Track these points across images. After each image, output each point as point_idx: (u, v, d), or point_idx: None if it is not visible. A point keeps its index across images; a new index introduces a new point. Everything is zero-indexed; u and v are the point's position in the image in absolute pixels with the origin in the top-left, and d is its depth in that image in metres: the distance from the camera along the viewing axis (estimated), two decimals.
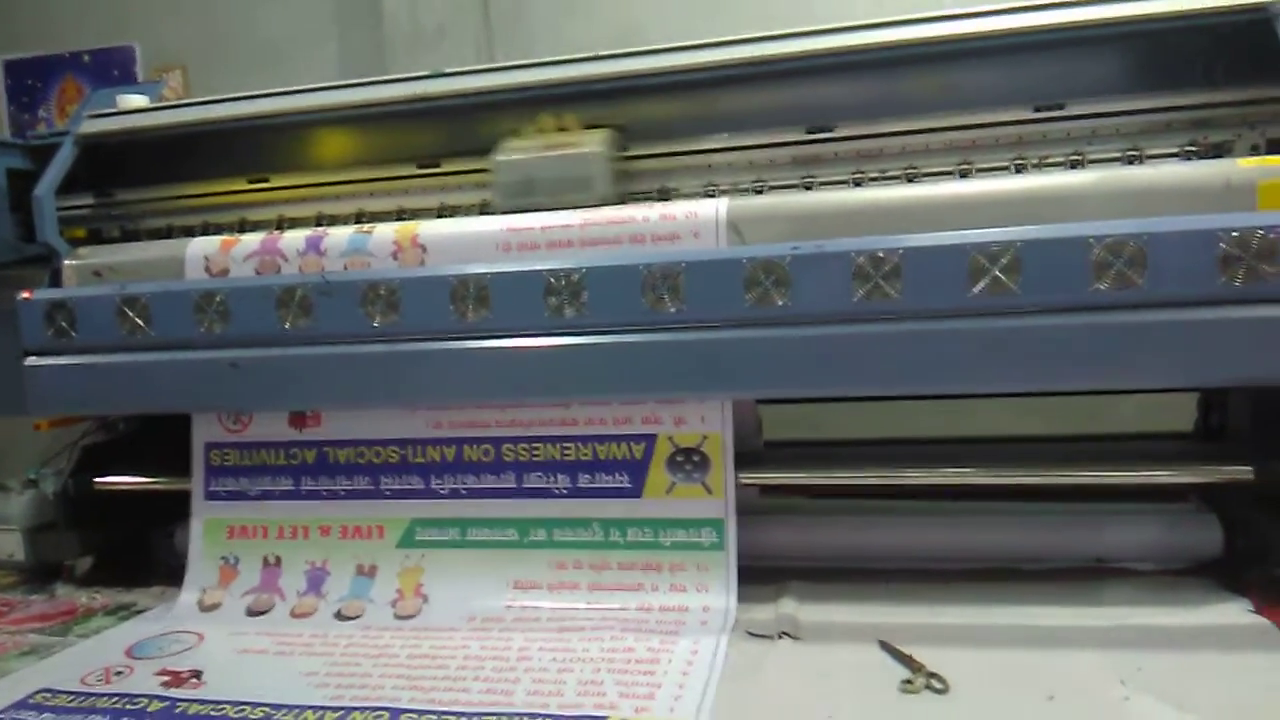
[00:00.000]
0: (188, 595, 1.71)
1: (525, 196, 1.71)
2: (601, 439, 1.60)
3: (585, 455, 1.61)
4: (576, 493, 1.61)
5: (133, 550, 1.99)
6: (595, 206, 1.63)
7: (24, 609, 1.79)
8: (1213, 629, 1.33)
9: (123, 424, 2.06)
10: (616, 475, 1.59)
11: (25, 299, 1.75)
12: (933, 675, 1.23)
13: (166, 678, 1.39)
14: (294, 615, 1.61)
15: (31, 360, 1.75)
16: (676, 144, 1.76)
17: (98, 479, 1.93)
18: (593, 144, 1.71)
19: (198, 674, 1.40)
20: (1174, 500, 1.65)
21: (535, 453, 1.63)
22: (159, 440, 1.99)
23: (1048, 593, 1.47)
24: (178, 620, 1.64)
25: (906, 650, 1.29)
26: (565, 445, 1.62)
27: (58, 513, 1.92)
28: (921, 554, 1.63)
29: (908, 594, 1.51)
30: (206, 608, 1.67)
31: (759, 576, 1.55)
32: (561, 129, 1.78)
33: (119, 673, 1.43)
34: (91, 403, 1.82)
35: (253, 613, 1.64)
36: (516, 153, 1.76)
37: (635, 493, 1.58)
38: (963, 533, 1.63)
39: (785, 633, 1.40)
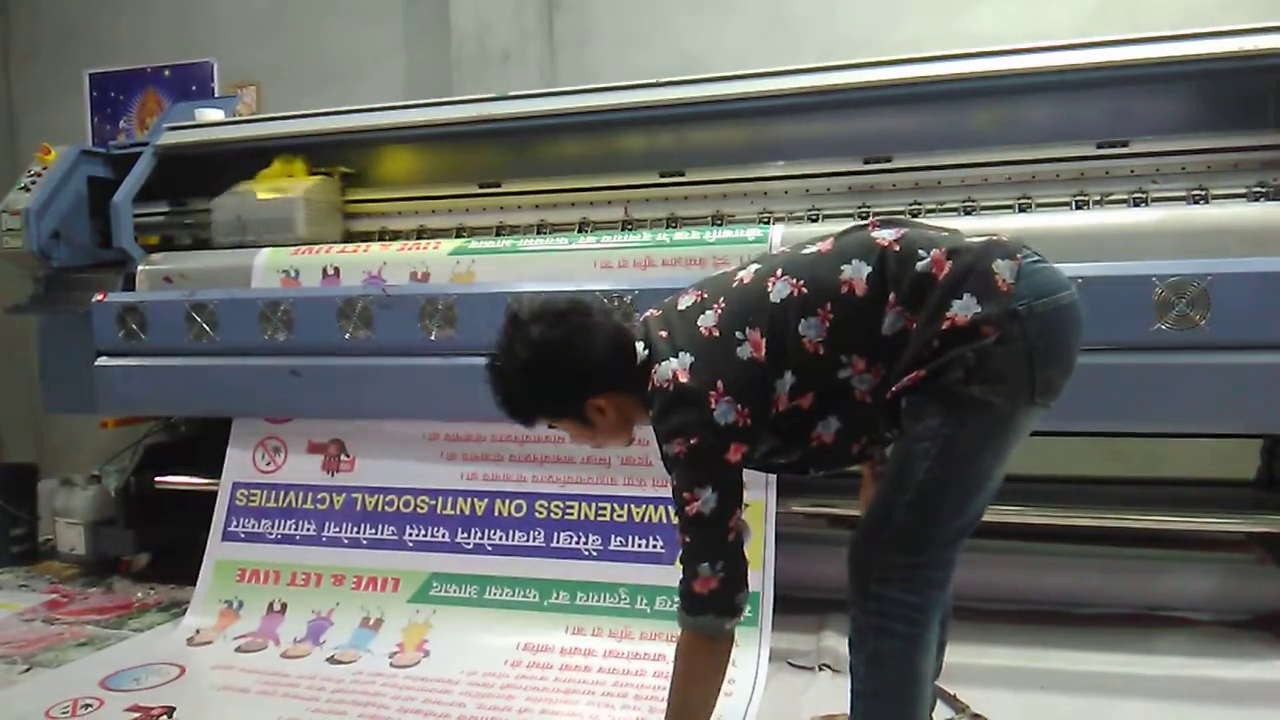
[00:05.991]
0: (179, 632, 1.61)
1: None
2: (639, 500, 1.53)
3: (620, 517, 1.54)
4: (606, 555, 1.53)
5: (186, 550, 2.04)
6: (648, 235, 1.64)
7: (82, 601, 1.85)
8: (1272, 685, 1.28)
9: (184, 426, 2.12)
10: (650, 539, 1.51)
11: (99, 301, 1.82)
12: (977, 716, 1.21)
13: (137, 714, 1.31)
14: (284, 657, 1.52)
15: (103, 360, 1.81)
16: (732, 170, 1.77)
17: (159, 478, 1.99)
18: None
19: (170, 711, 1.32)
20: (1234, 549, 1.60)
21: (569, 511, 1.56)
22: (216, 444, 2.05)
23: (1098, 639, 1.44)
24: (161, 651, 1.55)
25: (951, 690, 1.26)
26: (600, 505, 1.55)
27: (118, 509, 1.98)
28: (969, 592, 1.59)
29: (953, 632, 1.47)
30: (196, 644, 1.58)
31: (801, 607, 1.53)
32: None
33: (87, 705, 1.34)
34: (158, 403, 1.88)
35: (242, 650, 1.55)
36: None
37: (669, 559, 1.46)
38: (1012, 572, 1.60)
39: (826, 665, 1.38)
